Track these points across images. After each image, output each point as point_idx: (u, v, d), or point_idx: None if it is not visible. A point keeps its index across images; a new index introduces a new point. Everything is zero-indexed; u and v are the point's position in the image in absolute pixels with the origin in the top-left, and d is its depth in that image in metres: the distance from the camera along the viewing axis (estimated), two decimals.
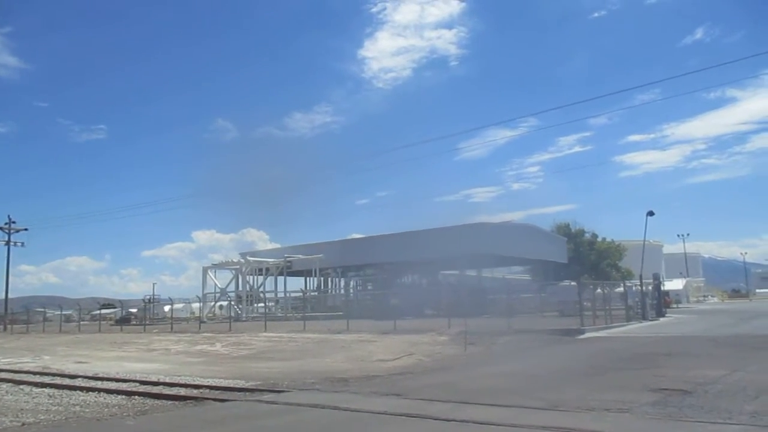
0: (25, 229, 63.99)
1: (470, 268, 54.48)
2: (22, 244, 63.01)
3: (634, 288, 37.87)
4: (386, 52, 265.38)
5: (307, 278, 62.00)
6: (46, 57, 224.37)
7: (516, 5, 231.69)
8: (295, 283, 62.54)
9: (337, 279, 62.91)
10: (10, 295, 65.26)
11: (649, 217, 47.02)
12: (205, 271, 57.14)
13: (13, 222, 62.48)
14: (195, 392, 13.19)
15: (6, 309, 62.78)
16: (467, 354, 19.89)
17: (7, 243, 61.40)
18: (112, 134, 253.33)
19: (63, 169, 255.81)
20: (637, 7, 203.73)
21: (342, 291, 61.10)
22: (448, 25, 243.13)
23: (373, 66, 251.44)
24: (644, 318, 34.14)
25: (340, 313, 41.92)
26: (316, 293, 58.94)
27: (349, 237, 62.63)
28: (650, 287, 38.33)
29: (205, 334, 33.38)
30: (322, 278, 62.01)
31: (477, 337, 22.91)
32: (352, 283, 59.66)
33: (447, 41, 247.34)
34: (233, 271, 57.21)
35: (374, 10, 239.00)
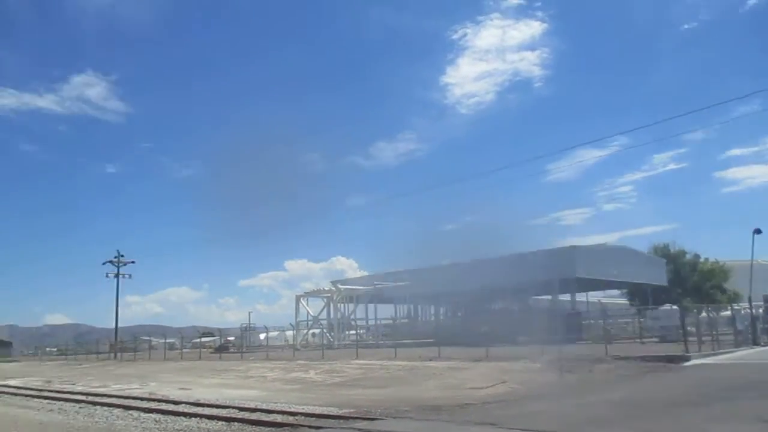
0: (132, 262, 67.95)
1: (563, 293, 52.92)
2: (130, 276, 67.00)
3: (742, 311, 35.49)
4: (468, 78, 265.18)
5: (397, 305, 62.16)
6: (148, 101, 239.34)
7: (600, 23, 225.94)
8: (385, 310, 62.87)
9: (426, 306, 62.68)
10: (118, 325, 69.26)
11: (756, 235, 44.10)
12: (297, 299, 58.41)
13: (122, 256, 66.56)
14: (291, 419, 13.47)
15: (116, 337, 66.52)
16: (563, 382, 19.26)
17: (117, 275, 65.36)
18: (206, 169, 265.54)
19: (164, 204, 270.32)
20: (730, 15, 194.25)
21: (432, 318, 60.77)
22: (531, 46, 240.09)
23: (455, 92, 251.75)
24: (755, 343, 31.84)
25: (431, 340, 41.67)
26: (406, 320, 58.93)
27: (437, 263, 62.37)
28: (761, 310, 35.81)
29: (299, 362, 34.00)
30: (411, 305, 61.98)
31: (573, 364, 22.14)
32: (442, 309, 59.27)
33: (530, 63, 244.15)
34: (324, 299, 58.17)
35: (455, 36, 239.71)
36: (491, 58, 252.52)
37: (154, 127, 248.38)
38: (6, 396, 24.91)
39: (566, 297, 53.67)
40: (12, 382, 31.68)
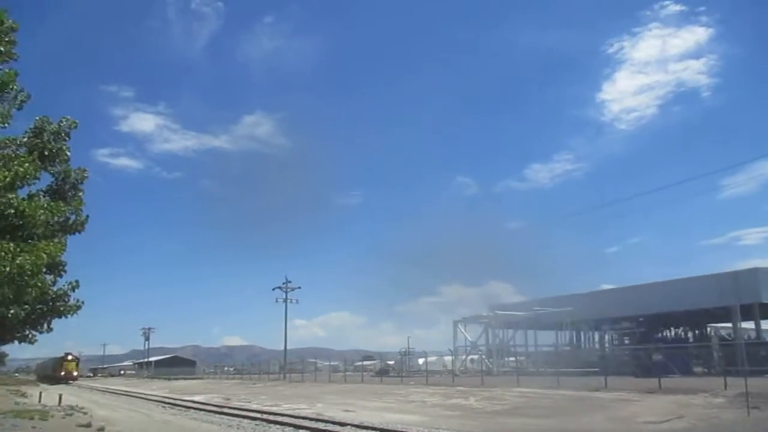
0: (299, 288, 71.97)
1: (745, 320, 48.08)
2: (297, 301, 70.95)
3: None
4: (627, 92, 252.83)
5: (558, 332, 59.94)
6: (311, 137, 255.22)
7: None
8: (545, 337, 60.84)
9: (590, 333, 59.79)
10: (287, 347, 73.38)
11: None
12: (455, 324, 58.36)
13: (289, 282, 70.77)
14: None
15: (285, 359, 70.50)
16: (752, 420, 17.47)
17: (285, 300, 69.51)
18: (367, 198, 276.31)
19: (327, 232, 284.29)
20: None
21: (596, 345, 57.82)
22: (695, 54, 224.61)
23: (613, 108, 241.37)
24: None
25: (596, 369, 39.64)
26: (568, 347, 56.62)
27: (600, 288, 59.45)
28: None
29: (458, 388, 33.88)
30: (573, 332, 59.48)
31: (763, 401, 20.00)
32: (606, 337, 56.21)
33: (695, 71, 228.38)
34: (482, 325, 57.59)
35: (611, 50, 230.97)
36: (651, 70, 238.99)
37: (315, 159, 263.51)
38: (192, 411, 27.34)
39: (749, 325, 48.67)
40: (197, 398, 34.69)
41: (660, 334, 52.04)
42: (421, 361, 58.10)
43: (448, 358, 55.68)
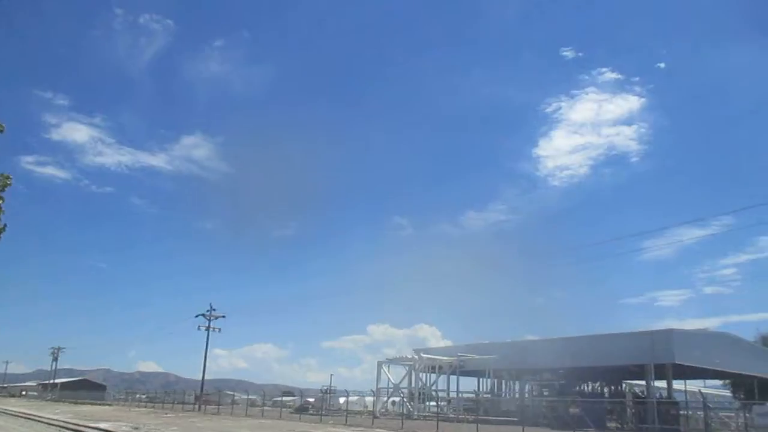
0: (223, 316, 69.96)
1: (658, 379, 49.79)
2: (219, 330, 68.85)
3: None
4: (562, 150, 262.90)
5: (480, 379, 60.36)
6: (249, 162, 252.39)
7: (701, 98, 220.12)
8: (468, 383, 61.18)
9: (511, 382, 60.53)
10: (204, 377, 70.92)
11: None
12: (379, 365, 57.94)
13: (214, 309, 68.77)
14: None
15: (201, 390, 68.04)
16: None
17: (207, 328, 67.39)
18: (300, 229, 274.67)
19: (258, 262, 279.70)
20: None
21: (516, 395, 58.53)
22: (627, 121, 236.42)
23: (548, 164, 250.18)
24: None
25: (515, 419, 40.06)
26: (489, 395, 57.04)
27: (523, 338, 60.41)
28: None
29: (377, 430, 33.46)
30: (495, 380, 60.06)
31: None
32: (527, 387, 57.04)
33: (626, 137, 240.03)
34: (407, 367, 57.41)
35: (549, 110, 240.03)
36: (586, 131, 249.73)
37: (252, 187, 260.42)
38: None
39: (662, 384, 50.43)
40: (102, 425, 32.85)
41: (578, 388, 53.20)
42: (342, 400, 57.26)
43: (369, 399, 55.06)
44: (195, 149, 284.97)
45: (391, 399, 55.85)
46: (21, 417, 43.32)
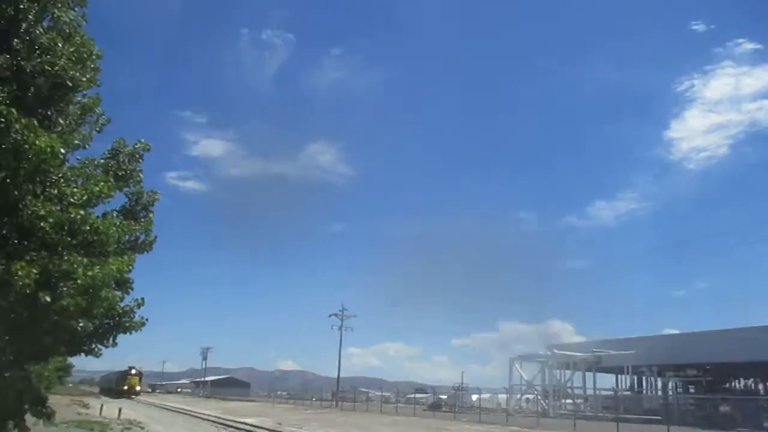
0: (355, 316, 72.34)
1: None
2: (352, 329, 71.27)
3: None
4: (697, 131, 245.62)
5: (618, 375, 57.83)
6: (372, 165, 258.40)
7: None
8: (604, 380, 58.82)
9: (652, 378, 57.42)
10: (340, 375, 73.51)
11: None
12: (511, 362, 57.14)
13: (345, 309, 71.28)
14: None
15: (337, 387, 70.56)
16: None
17: (340, 328, 69.88)
18: (427, 228, 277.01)
19: (385, 262, 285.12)
20: None
21: (659, 392, 55.43)
22: None
23: (682, 147, 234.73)
24: None
25: (658, 417, 38.01)
26: (629, 393, 54.50)
27: (663, 332, 57.19)
28: None
29: (512, 428, 33.05)
30: (635, 377, 57.24)
31: None
32: (670, 384, 53.85)
33: None
34: (539, 364, 56.15)
35: (681, 89, 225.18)
36: (723, 108, 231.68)
37: (378, 189, 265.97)
38: None
39: None
40: (249, 420, 34.99)
41: (728, 384, 49.57)
42: (474, 397, 56.94)
43: (502, 396, 54.42)
44: (320, 155, 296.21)
45: (525, 396, 54.86)
46: (179, 412, 47.06)
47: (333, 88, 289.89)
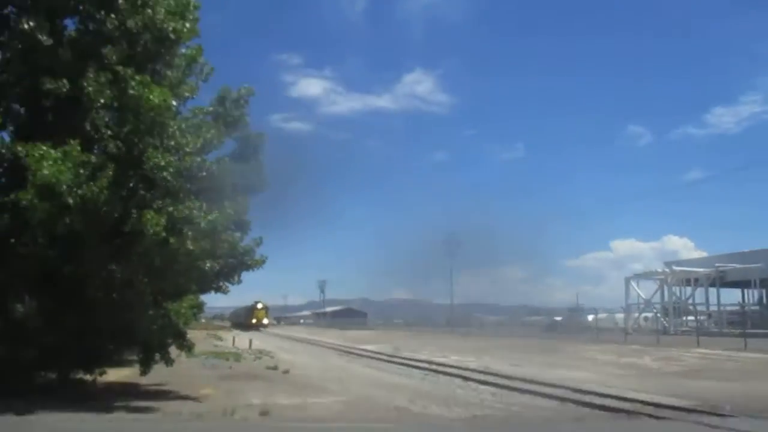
0: (465, 242, 73.01)
1: None
2: (462, 256, 72.09)
3: None
4: None
5: (745, 290, 54.97)
6: (470, 91, 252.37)
7: None
8: (729, 296, 56.10)
9: None
10: (453, 301, 74.94)
11: None
12: (627, 281, 55.65)
13: (455, 236, 71.99)
14: (627, 405, 13.02)
15: (451, 312, 72.05)
16: None
17: (450, 255, 70.80)
18: (529, 151, 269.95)
19: (489, 187, 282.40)
20: None
21: None
22: None
23: None
24: None
25: None
26: (757, 307, 51.82)
27: None
28: None
29: (631, 347, 32.49)
30: (764, 290, 54.19)
31: None
32: None
33: None
34: (657, 282, 54.33)
35: None
36: None
37: (475, 115, 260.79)
38: (365, 359, 28.98)
39: None
40: (368, 347, 36.56)
41: None
42: (590, 317, 56.27)
43: (619, 316, 53.37)
44: (417, 85, 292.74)
45: (643, 315, 53.52)
46: (303, 342, 49.96)
47: (425, 13, 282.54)
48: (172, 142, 11.27)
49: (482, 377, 18.96)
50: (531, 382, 17.48)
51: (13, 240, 11.48)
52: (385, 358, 28.60)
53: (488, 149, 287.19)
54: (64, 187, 10.38)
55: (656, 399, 13.69)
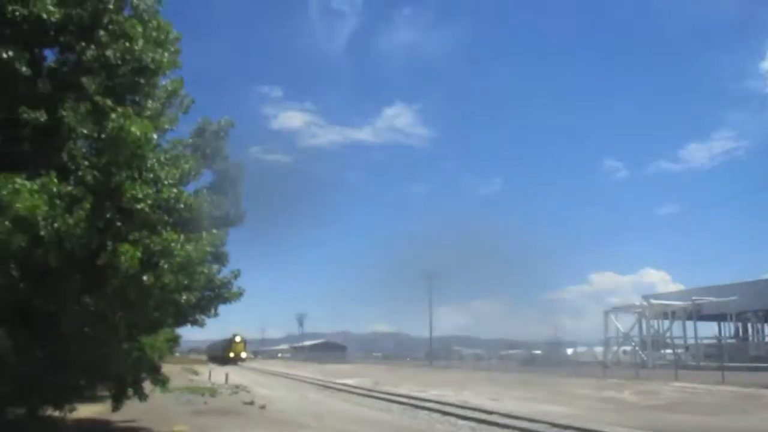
0: (442, 276, 72.87)
1: None
2: (440, 289, 71.82)
3: None
4: None
5: (721, 323, 55.52)
6: (449, 124, 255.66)
7: None
8: (706, 329, 56.62)
9: (758, 325, 54.75)
10: (432, 334, 74.42)
11: None
12: (606, 314, 55.91)
13: (432, 271, 71.82)
14: None
15: (430, 346, 71.65)
16: None
17: (429, 289, 70.61)
18: (507, 185, 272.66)
19: (468, 220, 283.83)
20: None
21: (767, 339, 52.86)
22: None
23: None
24: None
25: (767, 365, 36.31)
26: (733, 340, 52.26)
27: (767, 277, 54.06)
28: None
29: (610, 380, 32.53)
30: (739, 324, 54.75)
31: None
32: None
33: None
34: (635, 315, 54.67)
35: None
36: None
37: (455, 149, 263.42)
38: (344, 393, 28.62)
39: None
40: (347, 381, 36.16)
41: None
42: (569, 351, 56.33)
43: (598, 350, 53.50)
44: (396, 119, 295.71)
45: (622, 348, 53.68)
46: (280, 376, 49.23)
47: (405, 49, 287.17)
48: (151, 175, 11.16)
49: (461, 412, 18.82)
50: (510, 416, 17.39)
51: None
52: (364, 392, 28.30)
53: (467, 182, 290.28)
54: (40, 219, 10.21)
55: None
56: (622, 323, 55.31)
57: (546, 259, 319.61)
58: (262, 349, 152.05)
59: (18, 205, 10.03)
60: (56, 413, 13.71)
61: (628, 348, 52.81)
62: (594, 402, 23.29)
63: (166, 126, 13.48)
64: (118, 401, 13.60)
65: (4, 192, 10.21)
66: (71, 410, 13.77)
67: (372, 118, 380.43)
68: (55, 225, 10.35)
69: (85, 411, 14.37)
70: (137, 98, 12.80)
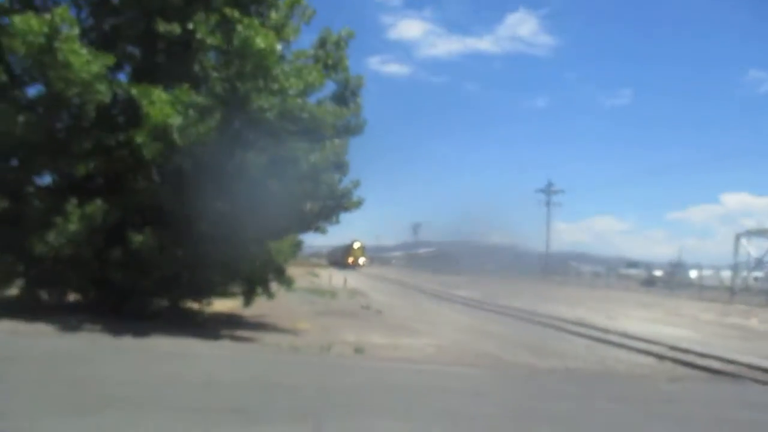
0: (562, 191, 70.99)
1: None
2: (560, 204, 70.33)
3: None
4: None
5: None
6: (576, 33, 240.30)
7: None
8: None
9: None
10: (548, 249, 73.68)
11: None
12: (737, 237, 52.40)
13: (552, 185, 70.06)
14: (730, 367, 12.44)
15: (546, 261, 70.99)
16: None
17: (547, 204, 69.21)
18: (637, 98, 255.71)
19: (592, 134, 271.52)
20: None
21: None
22: None
23: None
24: None
25: None
26: None
27: None
28: None
29: (737, 306, 30.98)
30: None
31: None
32: None
33: None
34: None
35: None
36: None
37: (581, 59, 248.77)
38: (457, 305, 29.28)
39: None
40: (461, 293, 36.73)
41: None
42: (693, 274, 53.76)
43: (726, 274, 50.67)
44: (519, 26, 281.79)
45: (753, 274, 50.50)
46: (395, 283, 50.88)
47: None
48: (276, 85, 11.46)
49: (576, 329, 18.69)
50: (628, 336, 17.04)
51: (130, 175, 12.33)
52: (476, 304, 28.74)
53: (592, 94, 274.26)
54: (174, 128, 10.94)
55: (764, 363, 12.94)
56: (756, 248, 51.72)
57: (673, 177, 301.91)
58: (377, 256, 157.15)
59: (156, 114, 10.79)
60: (195, 305, 15.08)
61: (760, 274, 49.61)
62: (718, 328, 22.32)
63: (290, 37, 13.67)
64: (248, 298, 14.69)
65: (145, 102, 10.98)
66: (208, 304, 15.08)
67: (494, 25, 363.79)
68: (188, 133, 11.05)
69: (219, 305, 15.65)
70: (261, 9, 13.01)
